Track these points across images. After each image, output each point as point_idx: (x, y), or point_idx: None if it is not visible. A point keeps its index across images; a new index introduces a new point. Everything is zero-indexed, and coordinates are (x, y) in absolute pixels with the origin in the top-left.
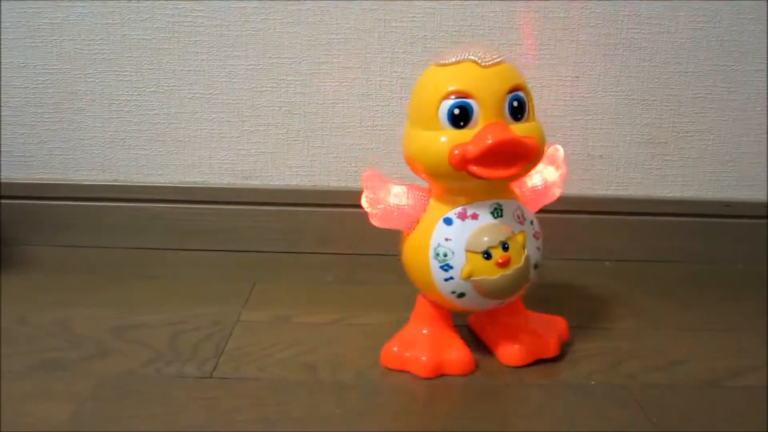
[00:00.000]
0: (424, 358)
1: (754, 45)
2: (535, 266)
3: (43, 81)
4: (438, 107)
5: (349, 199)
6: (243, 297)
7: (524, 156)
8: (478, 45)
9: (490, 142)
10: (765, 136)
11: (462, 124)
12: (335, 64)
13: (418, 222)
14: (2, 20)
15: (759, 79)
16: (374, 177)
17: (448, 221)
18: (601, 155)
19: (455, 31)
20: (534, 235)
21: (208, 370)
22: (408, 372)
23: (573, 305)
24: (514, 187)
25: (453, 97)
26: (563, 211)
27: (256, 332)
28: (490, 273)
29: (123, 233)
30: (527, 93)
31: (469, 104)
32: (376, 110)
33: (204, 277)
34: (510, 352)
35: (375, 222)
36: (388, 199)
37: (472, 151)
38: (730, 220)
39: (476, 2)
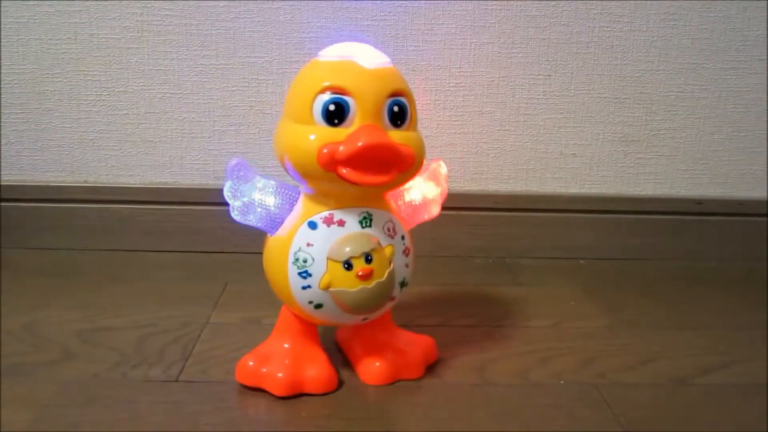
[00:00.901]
0: (280, 375)
1: (724, 43)
2: (402, 284)
3: (10, 81)
4: (313, 101)
5: None
6: (214, 299)
7: (398, 164)
8: (364, 45)
9: (361, 144)
10: (736, 133)
11: (336, 122)
12: (305, 63)
13: (283, 223)
14: None
15: (730, 77)
16: (241, 167)
17: (312, 225)
18: (573, 153)
19: (427, 30)
20: (404, 251)
21: (174, 374)
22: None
23: (546, 303)
24: (390, 199)
25: (329, 92)
26: (538, 210)
27: (225, 334)
28: (350, 285)
29: (93, 235)
30: (410, 101)
31: (345, 101)
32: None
33: (174, 279)
34: (371, 370)
35: (236, 216)
36: (253, 193)
37: (343, 151)
38: (702, 217)
39: (448, 1)
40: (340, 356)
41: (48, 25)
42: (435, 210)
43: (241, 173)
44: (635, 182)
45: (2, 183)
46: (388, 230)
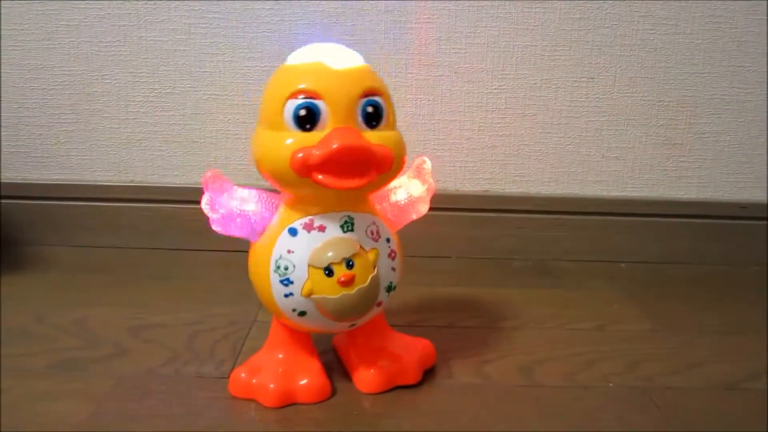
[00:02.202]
0: (271, 386)
1: None
2: (389, 288)
3: (61, 82)
4: (283, 107)
5: None
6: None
7: (375, 166)
8: (334, 45)
9: (335, 147)
10: None
11: (309, 126)
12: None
13: (264, 230)
14: (21, 22)
15: None
16: (216, 178)
17: (292, 232)
18: (616, 156)
19: (470, 32)
20: (389, 255)
21: (226, 371)
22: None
23: (588, 306)
24: (375, 200)
25: (300, 96)
26: (578, 213)
27: None
28: (331, 292)
29: (139, 233)
30: (386, 99)
31: (315, 105)
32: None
33: (220, 278)
34: (365, 378)
35: (216, 227)
36: (230, 203)
37: (316, 156)
38: (746, 221)
39: (492, 3)
40: (338, 363)
41: (98, 28)
42: (423, 208)
43: (217, 184)
44: (678, 186)
45: (52, 182)
46: (372, 233)
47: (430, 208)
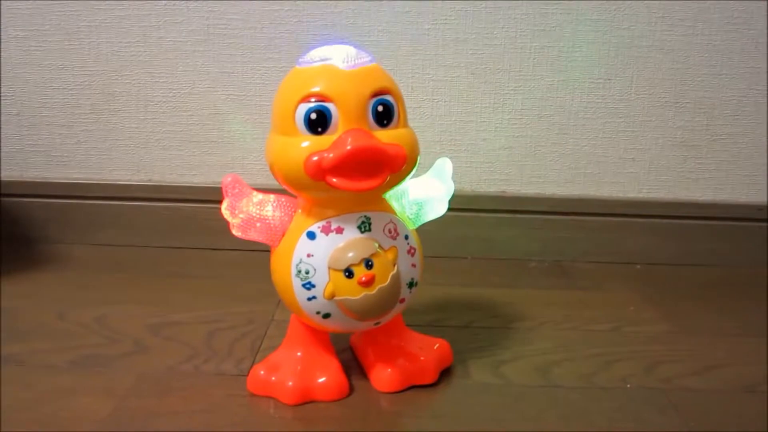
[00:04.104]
0: (290, 384)
1: None
2: (411, 284)
3: (81, 82)
4: (295, 111)
5: None
6: (276, 296)
7: (389, 165)
8: (342, 46)
9: (348, 149)
10: None
11: (320, 129)
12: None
13: (284, 235)
14: (43, 23)
15: None
16: (236, 183)
17: (311, 235)
18: (632, 158)
19: (487, 33)
20: (409, 251)
21: (245, 368)
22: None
23: (604, 307)
24: (391, 198)
25: (311, 100)
26: (594, 214)
27: None
28: (353, 293)
29: (157, 232)
30: (396, 97)
31: (326, 108)
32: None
33: (237, 276)
34: (382, 377)
35: (236, 233)
36: (249, 208)
37: (329, 159)
38: (763, 223)
39: (509, 4)
40: (355, 362)
41: (118, 28)
42: (441, 209)
43: (236, 190)
44: (695, 187)
45: (72, 181)
46: (390, 232)
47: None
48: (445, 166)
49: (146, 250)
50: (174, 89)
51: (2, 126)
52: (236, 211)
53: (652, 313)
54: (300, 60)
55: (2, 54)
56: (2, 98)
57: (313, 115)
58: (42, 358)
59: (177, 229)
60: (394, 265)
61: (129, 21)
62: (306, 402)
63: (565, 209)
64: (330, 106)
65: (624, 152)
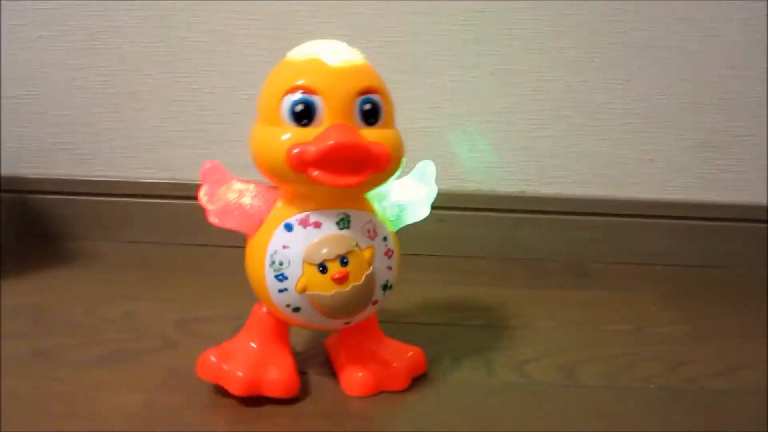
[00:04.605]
0: (239, 374)
1: None
2: (386, 286)
3: (104, 82)
4: (280, 102)
5: None
6: None
7: (371, 164)
8: (333, 42)
9: (331, 143)
10: None
11: (305, 122)
12: (386, 67)
13: (261, 224)
14: (67, 23)
15: None
16: (216, 170)
17: (288, 227)
18: (651, 159)
19: (505, 34)
20: (386, 253)
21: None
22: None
23: (625, 308)
24: (373, 199)
25: (297, 92)
26: (613, 215)
27: None
28: (325, 289)
29: (180, 230)
30: (384, 97)
31: (311, 101)
32: (425, 112)
33: None
34: (352, 381)
35: (212, 219)
36: (228, 195)
37: (312, 152)
38: None
39: (526, 5)
40: (328, 364)
41: (141, 29)
42: (423, 211)
43: (215, 176)
44: (714, 189)
45: (96, 179)
46: (369, 231)
47: (466, 209)
48: (427, 168)
49: (170, 247)
50: (196, 89)
51: (28, 125)
52: (214, 198)
53: (673, 313)
54: (291, 52)
55: (28, 54)
56: (28, 97)
57: (299, 107)
58: (72, 352)
59: (200, 227)
60: (369, 265)
61: (151, 21)
62: (253, 395)
63: (584, 210)
64: (316, 99)
65: (643, 153)
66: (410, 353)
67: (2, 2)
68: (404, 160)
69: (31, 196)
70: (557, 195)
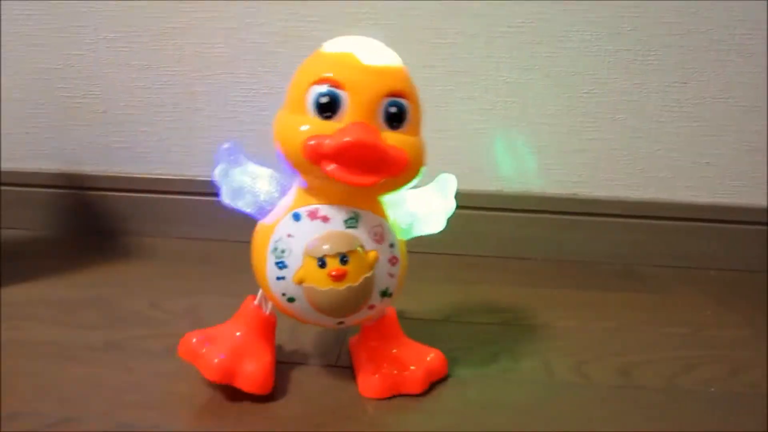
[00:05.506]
0: (215, 360)
1: None
2: (385, 293)
3: (165, 82)
4: (307, 91)
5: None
6: None
7: (387, 167)
8: (370, 40)
9: (347, 139)
10: None
11: (328, 115)
12: (441, 68)
13: (272, 210)
14: (131, 24)
15: None
16: (233, 151)
17: (296, 216)
18: (707, 162)
19: (562, 36)
20: (390, 260)
21: (332, 360)
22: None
23: (680, 311)
24: (388, 204)
25: (325, 84)
26: (667, 218)
27: None
28: (321, 284)
29: (236, 227)
30: (413, 103)
31: (337, 95)
32: (480, 114)
33: None
34: (367, 382)
35: (225, 199)
36: (243, 177)
37: (328, 145)
38: None
39: (584, 6)
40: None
41: (202, 30)
42: (438, 225)
43: (232, 157)
44: None
45: (154, 176)
46: (375, 235)
47: (517, 210)
48: (448, 182)
49: (226, 244)
50: (253, 89)
51: (90, 123)
52: (228, 178)
53: (730, 317)
54: (327, 44)
55: (93, 54)
56: (91, 96)
57: (324, 99)
58: (139, 344)
59: (253, 225)
60: (370, 269)
61: (212, 23)
62: (225, 383)
63: (637, 213)
64: (342, 93)
65: (698, 156)
66: (430, 356)
67: (69, 4)
68: (423, 169)
69: (91, 192)
70: (610, 198)
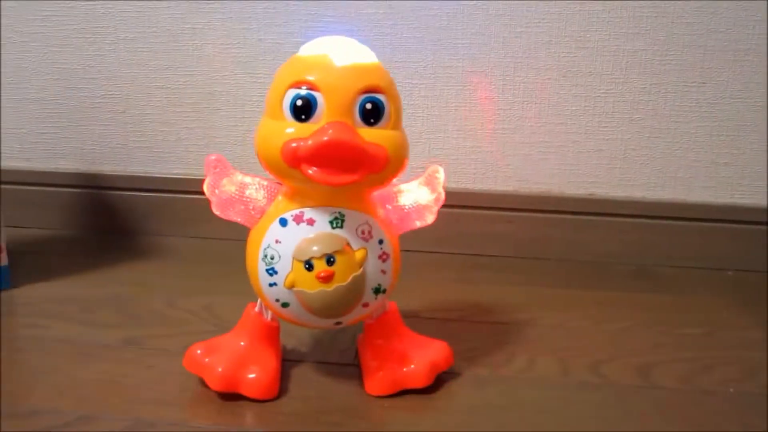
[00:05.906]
0: (219, 369)
1: None
2: (378, 290)
3: (183, 83)
4: (283, 96)
5: (466, 201)
6: None
7: (367, 164)
8: (344, 39)
9: (325, 140)
10: None
11: (304, 117)
12: (459, 69)
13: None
14: (149, 25)
15: None
16: (219, 162)
17: (283, 222)
18: (726, 162)
19: (579, 36)
20: (380, 256)
21: (349, 358)
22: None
23: (696, 312)
24: (377, 202)
25: (299, 87)
26: (684, 219)
27: None
28: (310, 286)
29: None
30: (390, 98)
31: (312, 97)
32: (498, 114)
33: None
34: (372, 380)
35: (215, 210)
36: (230, 188)
37: (305, 147)
38: None
39: (602, 6)
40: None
41: (220, 31)
42: (429, 218)
43: (218, 169)
44: None
45: (172, 176)
46: (363, 233)
47: (533, 210)
48: (437, 174)
49: (241, 244)
50: None
51: (109, 123)
52: (216, 190)
53: (747, 319)
54: (302, 47)
55: (112, 55)
56: (110, 97)
57: (299, 102)
58: (158, 342)
59: None
60: (359, 267)
61: (230, 24)
62: (230, 392)
63: (654, 213)
64: (317, 95)
65: (717, 156)
66: (433, 348)
67: (87, 5)
68: (407, 162)
69: (110, 192)
70: (627, 198)
